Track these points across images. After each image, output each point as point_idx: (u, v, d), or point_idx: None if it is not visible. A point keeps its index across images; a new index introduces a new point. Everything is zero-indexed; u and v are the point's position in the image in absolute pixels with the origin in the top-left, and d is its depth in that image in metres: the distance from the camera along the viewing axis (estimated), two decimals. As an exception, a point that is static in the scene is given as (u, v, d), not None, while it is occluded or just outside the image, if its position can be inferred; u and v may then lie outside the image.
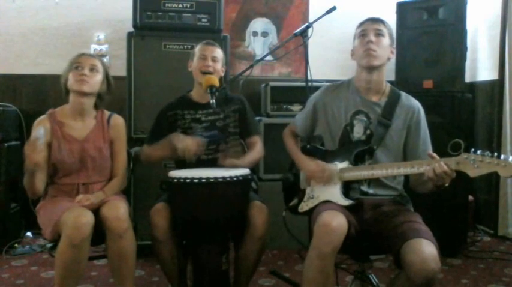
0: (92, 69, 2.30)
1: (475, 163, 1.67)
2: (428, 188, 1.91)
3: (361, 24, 2.09)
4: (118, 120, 2.44)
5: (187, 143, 2.26)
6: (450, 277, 2.91)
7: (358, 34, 2.08)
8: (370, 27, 2.04)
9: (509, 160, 1.60)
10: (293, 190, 2.23)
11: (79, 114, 2.35)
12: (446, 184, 1.79)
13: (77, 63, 2.30)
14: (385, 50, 2.05)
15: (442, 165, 1.73)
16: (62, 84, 2.34)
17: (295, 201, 2.18)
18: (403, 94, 2.13)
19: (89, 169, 2.31)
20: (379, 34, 2.03)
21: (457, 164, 1.72)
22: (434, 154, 1.80)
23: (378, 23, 2.05)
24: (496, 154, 1.64)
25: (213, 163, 2.35)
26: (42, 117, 2.35)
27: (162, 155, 2.43)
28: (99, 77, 2.32)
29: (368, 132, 2.07)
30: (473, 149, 1.70)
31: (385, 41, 2.04)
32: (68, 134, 2.31)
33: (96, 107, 2.39)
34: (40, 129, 2.19)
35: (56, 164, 2.27)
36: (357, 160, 2.03)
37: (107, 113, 2.43)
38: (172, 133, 2.37)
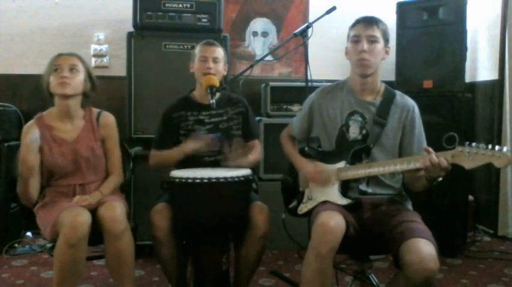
0: (72, 69, 2.25)
1: (470, 156, 1.67)
2: (422, 185, 1.92)
3: (354, 26, 2.06)
4: (108, 118, 2.39)
5: (197, 145, 2.30)
6: (450, 277, 2.91)
7: (351, 38, 2.06)
8: (363, 33, 2.02)
9: (504, 150, 1.60)
10: (292, 191, 2.23)
11: (67, 116, 2.31)
12: (440, 179, 1.80)
13: (56, 65, 2.25)
14: (379, 55, 2.04)
15: (441, 158, 1.73)
16: (45, 88, 2.29)
17: (294, 203, 2.18)
18: (398, 93, 2.13)
19: (84, 169, 2.29)
20: (372, 41, 2.01)
21: (452, 157, 1.72)
22: (430, 149, 1.80)
23: (371, 28, 2.02)
24: (490, 145, 1.64)
25: (215, 165, 2.35)
26: (30, 122, 2.30)
27: (174, 162, 2.39)
28: (80, 77, 2.27)
29: (364, 132, 2.07)
30: (467, 142, 1.69)
31: (379, 46, 2.03)
32: (58, 137, 2.28)
33: (83, 105, 2.35)
34: (35, 133, 2.20)
35: (50, 167, 2.25)
36: (354, 160, 2.03)
37: (95, 110, 2.39)
38: (178, 136, 2.39)
